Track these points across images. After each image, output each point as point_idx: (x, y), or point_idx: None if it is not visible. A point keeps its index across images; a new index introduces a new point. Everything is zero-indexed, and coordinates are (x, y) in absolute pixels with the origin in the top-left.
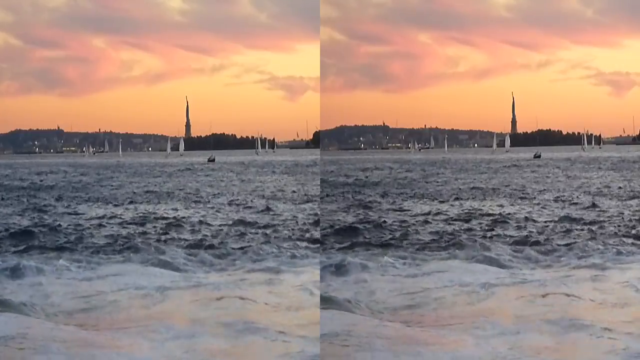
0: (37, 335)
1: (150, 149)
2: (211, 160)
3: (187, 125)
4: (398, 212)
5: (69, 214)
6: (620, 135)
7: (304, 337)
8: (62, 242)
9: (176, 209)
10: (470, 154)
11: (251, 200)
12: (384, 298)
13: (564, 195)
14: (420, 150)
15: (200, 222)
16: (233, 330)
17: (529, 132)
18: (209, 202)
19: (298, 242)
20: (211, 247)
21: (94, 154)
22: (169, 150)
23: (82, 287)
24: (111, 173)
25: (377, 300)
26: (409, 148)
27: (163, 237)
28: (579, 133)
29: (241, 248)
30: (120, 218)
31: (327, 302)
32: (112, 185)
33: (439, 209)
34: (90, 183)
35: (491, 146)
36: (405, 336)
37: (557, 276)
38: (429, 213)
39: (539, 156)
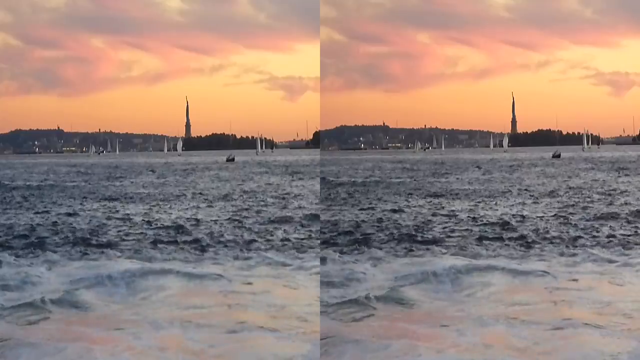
0: None
1: (151, 149)
2: (230, 160)
3: (187, 125)
4: None
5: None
6: (620, 135)
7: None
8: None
9: None
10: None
11: None
12: None
13: None
14: (424, 150)
15: None
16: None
17: (528, 132)
18: None
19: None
20: None
21: (99, 154)
22: (166, 150)
23: None
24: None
25: None
26: (410, 148)
27: None
28: (578, 133)
29: None
30: None
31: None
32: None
33: None
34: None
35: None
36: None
37: None
38: None
39: (559, 155)
